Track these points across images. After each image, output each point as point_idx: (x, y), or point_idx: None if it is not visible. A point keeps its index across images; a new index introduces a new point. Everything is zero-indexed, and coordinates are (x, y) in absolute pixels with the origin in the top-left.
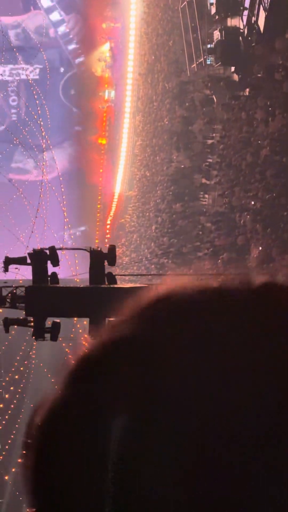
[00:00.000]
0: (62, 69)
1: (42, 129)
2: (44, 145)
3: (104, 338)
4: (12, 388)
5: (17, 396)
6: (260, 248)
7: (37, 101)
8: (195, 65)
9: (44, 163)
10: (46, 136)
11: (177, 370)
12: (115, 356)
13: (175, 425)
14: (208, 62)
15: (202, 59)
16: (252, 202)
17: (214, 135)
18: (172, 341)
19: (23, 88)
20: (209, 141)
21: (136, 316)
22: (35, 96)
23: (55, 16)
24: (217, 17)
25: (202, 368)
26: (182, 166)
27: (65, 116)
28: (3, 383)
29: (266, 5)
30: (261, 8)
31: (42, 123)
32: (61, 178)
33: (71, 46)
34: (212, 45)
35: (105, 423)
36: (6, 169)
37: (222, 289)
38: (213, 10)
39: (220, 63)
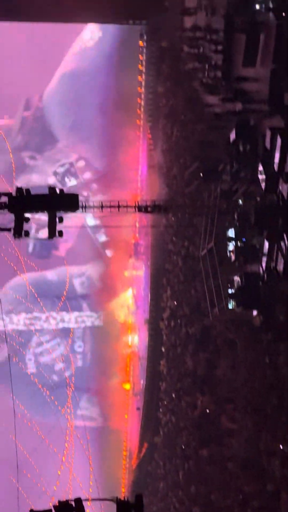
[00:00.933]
0: None
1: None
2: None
3: None
4: None
5: None
6: None
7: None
8: (217, 309)
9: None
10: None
11: None
12: None
13: None
14: (230, 307)
15: (224, 303)
16: (280, 446)
17: (237, 378)
18: None
19: (88, 334)
20: (233, 385)
21: None
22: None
23: (91, 221)
24: (237, 263)
25: None
26: (207, 410)
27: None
28: None
29: (284, 251)
30: (280, 254)
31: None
32: (86, 428)
33: (102, 238)
34: (233, 290)
35: None
36: (71, 414)
37: None
38: (233, 257)
39: (241, 307)
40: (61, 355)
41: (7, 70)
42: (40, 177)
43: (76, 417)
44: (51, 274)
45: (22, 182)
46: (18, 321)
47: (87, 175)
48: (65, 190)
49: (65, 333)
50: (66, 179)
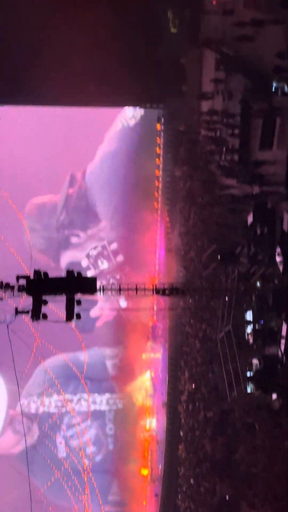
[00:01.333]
0: None
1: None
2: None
3: None
4: None
5: None
6: None
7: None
8: (235, 392)
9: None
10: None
11: None
12: None
13: None
14: (249, 390)
15: (242, 387)
16: None
17: (256, 463)
18: None
19: (119, 417)
20: (252, 470)
21: None
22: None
23: (123, 303)
24: (255, 346)
25: None
26: (227, 496)
27: None
28: None
29: None
30: None
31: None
32: None
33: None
34: (252, 373)
35: None
36: (103, 500)
37: None
38: (251, 340)
39: (260, 390)
40: (91, 438)
41: (51, 147)
42: (82, 254)
43: (94, 502)
44: (83, 355)
45: (65, 259)
46: (50, 403)
47: (120, 257)
48: (97, 273)
49: (97, 416)
50: (99, 262)
